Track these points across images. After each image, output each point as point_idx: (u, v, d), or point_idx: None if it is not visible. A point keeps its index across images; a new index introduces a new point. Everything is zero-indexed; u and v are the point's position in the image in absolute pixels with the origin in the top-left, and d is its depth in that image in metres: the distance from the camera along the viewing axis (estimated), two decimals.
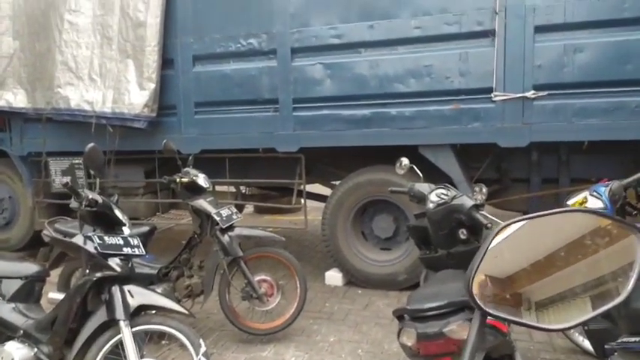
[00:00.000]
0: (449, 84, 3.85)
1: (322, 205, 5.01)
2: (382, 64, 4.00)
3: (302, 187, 4.62)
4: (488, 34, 3.72)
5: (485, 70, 3.73)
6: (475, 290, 0.86)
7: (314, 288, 4.38)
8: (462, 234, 2.42)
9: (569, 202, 2.50)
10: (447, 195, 2.47)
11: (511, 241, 0.89)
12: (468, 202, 2.34)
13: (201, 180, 3.36)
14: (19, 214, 5.66)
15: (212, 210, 3.25)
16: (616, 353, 2.05)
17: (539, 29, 3.60)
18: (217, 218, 3.21)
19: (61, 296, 3.18)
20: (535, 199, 4.26)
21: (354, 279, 4.42)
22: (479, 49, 3.76)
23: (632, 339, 1.83)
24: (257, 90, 4.35)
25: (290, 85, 4.24)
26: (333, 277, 4.53)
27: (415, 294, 1.88)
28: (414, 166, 2.81)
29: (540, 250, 0.90)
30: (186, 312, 2.47)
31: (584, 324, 2.42)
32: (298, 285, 3.31)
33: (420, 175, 2.78)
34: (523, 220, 0.88)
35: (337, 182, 4.78)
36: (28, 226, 5.56)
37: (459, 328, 1.55)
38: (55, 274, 3.53)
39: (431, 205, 2.48)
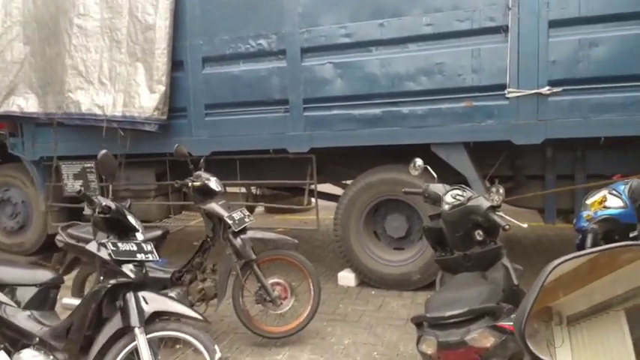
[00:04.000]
0: (461, 81, 3.79)
1: (332, 204, 4.99)
2: (393, 62, 3.95)
3: (313, 187, 4.59)
4: (501, 30, 3.66)
5: (498, 67, 3.67)
6: (527, 334, 0.81)
7: (326, 289, 4.35)
8: (479, 235, 2.39)
9: (588, 202, 2.44)
10: (462, 196, 2.43)
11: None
12: (484, 203, 2.31)
13: (213, 183, 3.35)
14: (32, 218, 5.70)
15: (224, 213, 3.23)
16: None
17: (554, 24, 3.53)
18: (230, 222, 3.19)
19: (75, 301, 3.19)
20: (550, 196, 4.20)
21: (367, 279, 4.38)
22: (492, 45, 3.69)
23: None
24: (267, 91, 4.32)
25: (300, 85, 4.21)
26: (346, 277, 4.51)
27: (433, 300, 1.85)
28: (429, 167, 2.77)
29: (577, 271, 0.87)
30: (201, 318, 2.47)
31: None
32: (312, 288, 3.29)
33: (435, 175, 2.74)
34: (578, 256, 0.84)
35: (348, 182, 4.75)
36: (42, 230, 5.60)
37: (480, 337, 1.52)
38: (68, 279, 3.54)
39: (446, 207, 2.45)
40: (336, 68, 4.10)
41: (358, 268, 4.39)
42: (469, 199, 2.38)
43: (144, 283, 2.44)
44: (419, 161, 2.79)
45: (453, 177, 3.92)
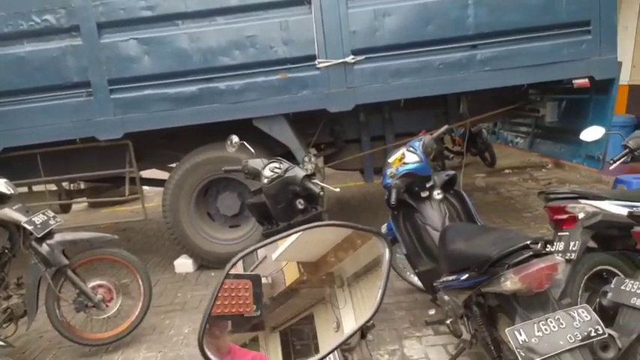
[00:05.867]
0: (274, 54, 3.81)
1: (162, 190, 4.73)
2: (203, 36, 3.79)
3: (134, 174, 4.25)
4: (305, 1, 3.74)
5: (306, 38, 3.77)
6: (206, 342, 0.80)
7: (164, 279, 4.16)
8: (300, 204, 2.45)
9: (390, 160, 2.68)
10: (279, 168, 2.46)
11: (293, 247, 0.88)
12: (300, 173, 2.36)
13: (2, 186, 2.85)
14: None
15: (22, 218, 2.79)
16: (441, 290, 2.30)
17: None
18: (30, 227, 2.77)
19: None
20: (367, 157, 4.55)
21: (206, 262, 4.28)
22: (298, 17, 3.77)
23: (450, 277, 2.05)
24: (62, 73, 3.81)
25: (102, 64, 3.80)
26: (183, 264, 4.34)
27: None
28: (245, 143, 2.74)
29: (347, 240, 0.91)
30: (4, 344, 2.13)
31: (414, 267, 2.68)
32: (140, 283, 3.08)
33: (252, 150, 2.72)
34: (250, 251, 0.86)
35: (174, 165, 4.52)
36: None
37: None
38: None
39: (265, 180, 2.45)
40: (142, 44, 3.79)
41: (195, 252, 4.26)
42: (286, 170, 2.42)
43: None
44: (234, 138, 2.74)
45: (278, 148, 4.00)
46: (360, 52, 3.77)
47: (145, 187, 5.14)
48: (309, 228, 0.87)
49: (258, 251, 0.89)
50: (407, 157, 2.63)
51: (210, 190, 4.34)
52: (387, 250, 0.87)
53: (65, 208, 5.10)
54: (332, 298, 0.93)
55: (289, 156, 3.87)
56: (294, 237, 0.89)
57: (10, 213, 2.82)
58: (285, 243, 0.90)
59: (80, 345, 3.03)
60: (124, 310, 3.09)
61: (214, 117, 3.91)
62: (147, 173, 5.10)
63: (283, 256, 0.91)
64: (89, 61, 3.79)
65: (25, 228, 2.79)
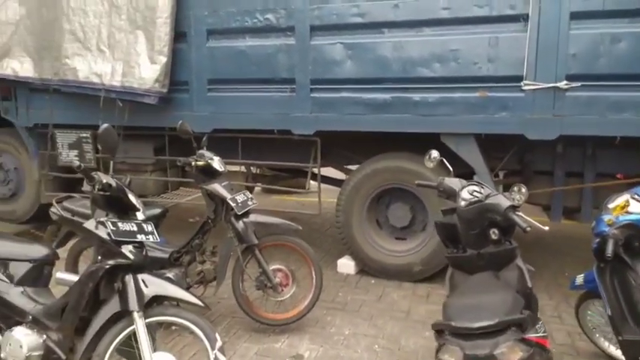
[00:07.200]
0: (476, 70, 3.66)
1: (331, 188, 4.89)
2: (406, 46, 3.81)
3: (316, 170, 4.48)
4: (521, 18, 3.52)
5: (515, 57, 3.54)
6: None
7: (326, 276, 4.23)
8: (494, 234, 2.30)
9: (610, 205, 2.37)
10: (480, 192, 2.34)
11: None
12: (504, 202, 2.22)
13: (217, 163, 3.23)
14: (25, 187, 5.55)
15: (227, 195, 3.12)
16: None
17: (575, 15, 3.40)
18: (233, 204, 3.09)
19: (69, 276, 3.08)
20: (558, 193, 4.12)
21: (368, 268, 4.31)
22: (510, 34, 3.56)
23: None
24: (273, 69, 4.16)
25: (308, 64, 4.06)
26: (346, 264, 4.43)
27: (453, 305, 1.76)
28: (444, 160, 2.67)
29: None
30: (202, 304, 2.38)
31: (617, 333, 2.32)
32: (314, 276, 3.21)
33: (450, 169, 2.64)
34: None
35: (351, 167, 4.64)
36: (34, 199, 5.45)
37: (509, 351, 1.44)
38: (62, 252, 3.44)
39: (462, 203, 2.36)
40: (347, 49, 3.95)
41: (358, 255, 4.32)
42: (487, 196, 2.29)
43: (143, 264, 2.34)
44: (434, 153, 2.69)
45: (459, 168, 3.83)
46: (575, 77, 3.42)
47: (313, 183, 5.39)
48: None
49: None
50: (632, 206, 2.29)
51: (383, 198, 4.35)
52: None
53: (249, 190, 5.61)
54: None
55: (468, 177, 3.70)
56: None
57: (219, 188, 3.17)
58: None
59: (252, 320, 3.27)
60: (294, 297, 3.25)
61: (403, 127, 3.90)
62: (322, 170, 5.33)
63: None
64: (298, 61, 4.07)
65: (228, 204, 3.11)
